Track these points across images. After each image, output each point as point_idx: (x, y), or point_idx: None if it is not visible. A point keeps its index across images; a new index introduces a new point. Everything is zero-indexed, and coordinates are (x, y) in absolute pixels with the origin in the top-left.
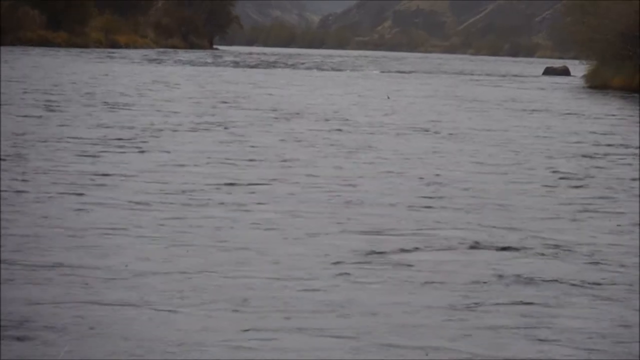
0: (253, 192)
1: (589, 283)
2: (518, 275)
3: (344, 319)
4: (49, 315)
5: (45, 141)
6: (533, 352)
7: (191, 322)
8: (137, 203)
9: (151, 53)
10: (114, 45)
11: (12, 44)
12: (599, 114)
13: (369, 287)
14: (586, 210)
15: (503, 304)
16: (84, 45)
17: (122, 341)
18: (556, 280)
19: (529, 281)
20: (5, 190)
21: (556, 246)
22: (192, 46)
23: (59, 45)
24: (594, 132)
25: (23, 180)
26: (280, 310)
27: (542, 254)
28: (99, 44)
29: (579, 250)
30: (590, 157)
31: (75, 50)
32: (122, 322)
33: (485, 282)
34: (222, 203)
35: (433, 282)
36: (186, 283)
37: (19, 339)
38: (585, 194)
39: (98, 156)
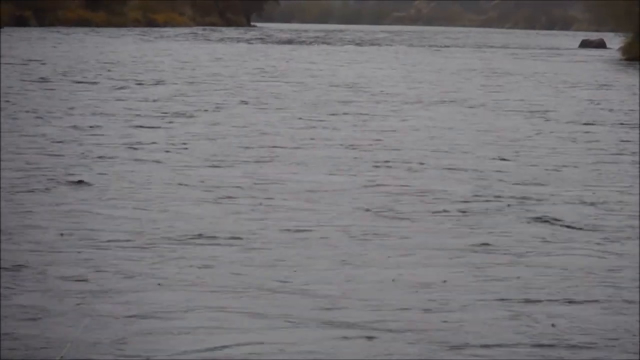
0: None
1: None
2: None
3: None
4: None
5: (114, 115)
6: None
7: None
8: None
9: (193, 31)
10: (152, 24)
11: (52, 24)
12: (631, 85)
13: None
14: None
15: None
16: (123, 25)
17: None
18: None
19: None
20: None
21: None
22: (229, 23)
23: (98, 25)
24: (624, 102)
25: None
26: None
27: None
28: (137, 23)
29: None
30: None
31: (116, 30)
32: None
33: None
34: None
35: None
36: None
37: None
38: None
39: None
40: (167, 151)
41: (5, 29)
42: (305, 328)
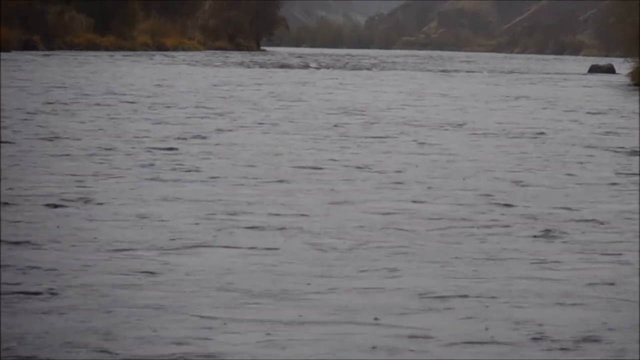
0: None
1: None
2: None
3: None
4: None
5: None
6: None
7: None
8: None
9: (204, 55)
10: (161, 48)
11: (60, 48)
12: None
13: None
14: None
15: None
16: (132, 49)
17: None
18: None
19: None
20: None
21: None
22: (239, 48)
23: (106, 49)
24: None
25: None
26: None
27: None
28: (146, 47)
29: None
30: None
31: (126, 54)
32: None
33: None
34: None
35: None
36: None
37: None
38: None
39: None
40: (184, 171)
41: (13, 54)
42: None
